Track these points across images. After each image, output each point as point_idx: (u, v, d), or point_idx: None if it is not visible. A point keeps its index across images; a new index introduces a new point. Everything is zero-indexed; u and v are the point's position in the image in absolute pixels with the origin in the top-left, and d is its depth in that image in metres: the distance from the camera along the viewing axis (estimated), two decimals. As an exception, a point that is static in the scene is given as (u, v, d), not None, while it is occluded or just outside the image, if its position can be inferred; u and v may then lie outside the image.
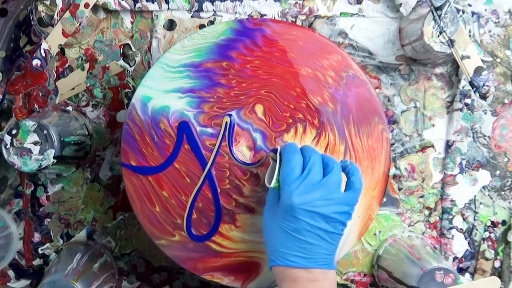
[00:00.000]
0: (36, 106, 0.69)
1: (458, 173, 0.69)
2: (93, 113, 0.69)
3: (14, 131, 0.60)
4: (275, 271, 0.51)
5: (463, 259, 0.70)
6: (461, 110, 0.68)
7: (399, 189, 0.69)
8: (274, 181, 0.51)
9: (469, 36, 0.61)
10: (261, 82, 0.57)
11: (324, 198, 0.48)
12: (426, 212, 0.70)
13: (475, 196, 0.70)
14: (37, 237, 0.71)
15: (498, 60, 0.68)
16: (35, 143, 0.60)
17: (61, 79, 0.69)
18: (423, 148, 0.69)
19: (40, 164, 0.60)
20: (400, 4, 0.65)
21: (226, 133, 0.58)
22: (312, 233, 0.48)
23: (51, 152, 0.60)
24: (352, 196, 0.50)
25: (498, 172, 0.69)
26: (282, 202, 0.49)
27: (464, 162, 0.69)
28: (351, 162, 0.52)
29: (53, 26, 0.64)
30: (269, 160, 0.55)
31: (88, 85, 0.69)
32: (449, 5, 0.60)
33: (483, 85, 0.61)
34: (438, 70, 0.68)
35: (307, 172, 0.49)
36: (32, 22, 0.65)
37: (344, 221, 0.50)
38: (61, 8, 0.63)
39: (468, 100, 0.67)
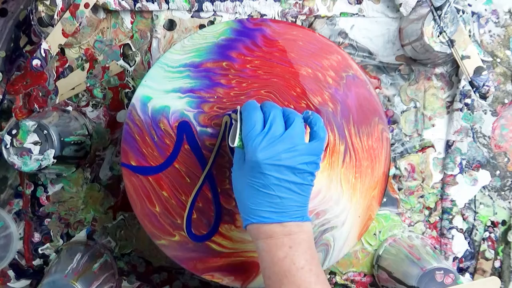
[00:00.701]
0: (36, 106, 0.69)
1: (458, 173, 0.69)
2: (93, 113, 0.69)
3: (14, 131, 0.60)
4: (250, 230, 0.51)
5: (463, 259, 0.70)
6: (461, 110, 0.68)
7: (399, 189, 0.69)
8: (237, 140, 0.50)
9: (469, 36, 0.61)
10: (261, 82, 0.57)
11: (288, 150, 0.48)
12: (426, 212, 0.70)
13: (475, 196, 0.70)
14: (37, 237, 0.71)
15: (498, 60, 0.68)
16: (35, 143, 0.60)
17: (61, 79, 0.69)
18: (423, 148, 0.69)
19: (40, 164, 0.60)
20: (400, 4, 0.65)
21: (226, 133, 0.58)
22: (281, 187, 0.48)
23: (51, 152, 0.60)
24: (316, 145, 0.50)
25: (498, 172, 0.69)
26: (247, 159, 0.49)
27: (464, 162, 0.69)
28: (313, 112, 0.52)
29: (53, 26, 0.64)
30: (230, 121, 0.54)
31: (88, 85, 0.69)
32: (449, 5, 0.60)
33: (483, 85, 0.61)
34: (438, 70, 0.68)
35: (268, 127, 0.49)
36: (32, 22, 0.65)
37: (312, 171, 0.49)
38: (61, 8, 0.63)
39: (468, 100, 0.67)
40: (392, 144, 0.69)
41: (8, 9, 0.68)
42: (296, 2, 0.67)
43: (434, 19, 0.61)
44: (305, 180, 0.49)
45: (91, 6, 0.63)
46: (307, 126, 0.52)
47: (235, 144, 0.50)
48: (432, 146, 0.69)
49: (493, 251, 0.70)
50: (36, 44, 0.68)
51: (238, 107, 0.53)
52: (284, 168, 0.48)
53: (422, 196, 0.70)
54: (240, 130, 0.50)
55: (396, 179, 0.69)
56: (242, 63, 0.57)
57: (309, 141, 0.51)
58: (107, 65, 0.68)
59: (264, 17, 0.67)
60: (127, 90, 0.69)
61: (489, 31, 0.68)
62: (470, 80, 0.61)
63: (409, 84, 0.69)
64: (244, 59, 0.57)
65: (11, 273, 0.71)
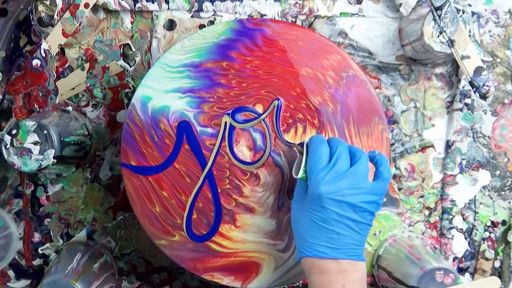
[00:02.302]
0: (36, 106, 0.69)
1: (458, 173, 0.69)
2: (93, 113, 0.69)
3: (14, 131, 0.60)
4: (304, 263, 0.51)
5: (463, 259, 0.70)
6: (461, 110, 0.68)
7: (399, 189, 0.69)
8: (301, 171, 0.51)
9: (469, 36, 0.61)
10: (261, 82, 0.57)
11: (351, 187, 0.48)
12: (426, 212, 0.70)
13: (475, 196, 0.70)
14: (37, 237, 0.71)
15: (498, 60, 0.68)
16: (35, 143, 0.60)
17: (61, 79, 0.69)
18: (423, 148, 0.69)
19: (40, 164, 0.60)
20: (400, 4, 0.65)
21: (226, 133, 0.58)
22: (340, 223, 0.48)
23: (51, 152, 0.60)
24: (380, 186, 0.49)
25: (498, 172, 0.69)
26: (310, 192, 0.49)
27: (464, 162, 0.69)
28: (380, 152, 0.52)
29: (53, 26, 0.64)
30: (292, 151, 0.55)
31: (88, 85, 0.69)
32: (449, 5, 0.60)
33: (483, 85, 0.61)
34: (438, 70, 0.68)
35: (334, 161, 0.49)
36: (32, 22, 0.65)
37: (373, 211, 0.49)
38: (61, 8, 0.63)
39: (468, 100, 0.67)
40: (392, 144, 0.69)
41: (8, 9, 0.68)
42: (296, 2, 0.67)
43: (434, 19, 0.61)
44: (365, 219, 0.49)
45: (91, 6, 0.63)
46: (372, 165, 0.52)
47: (299, 176, 0.51)
48: (432, 146, 0.69)
49: (493, 251, 0.70)
50: (36, 44, 0.68)
51: (305, 140, 0.53)
52: (346, 204, 0.48)
53: (422, 196, 0.70)
54: (306, 162, 0.51)
55: (396, 179, 0.69)
56: (242, 63, 0.57)
57: (373, 180, 0.50)
58: (107, 65, 0.68)
59: (264, 17, 0.67)
60: (127, 90, 0.69)
61: (489, 31, 0.68)
62: (470, 80, 0.61)
63: (409, 84, 0.69)
64: (244, 59, 0.57)
65: (11, 273, 0.71)
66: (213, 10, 0.67)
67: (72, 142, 0.63)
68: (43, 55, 0.64)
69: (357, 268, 0.49)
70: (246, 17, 0.67)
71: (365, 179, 0.49)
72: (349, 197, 0.48)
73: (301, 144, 0.53)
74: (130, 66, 0.69)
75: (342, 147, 0.50)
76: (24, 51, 0.69)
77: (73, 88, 0.69)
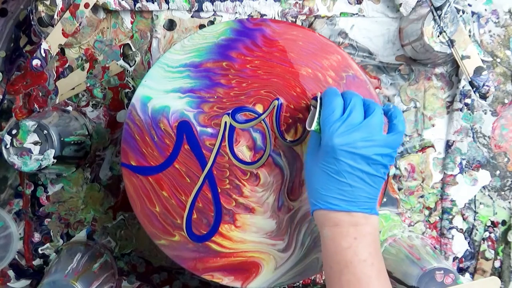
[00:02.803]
0: (36, 106, 0.69)
1: (458, 173, 0.69)
2: (93, 113, 0.69)
3: (14, 131, 0.60)
4: (317, 216, 0.51)
5: (463, 259, 0.70)
6: (461, 110, 0.68)
7: (399, 189, 0.69)
8: (315, 123, 0.50)
9: (469, 36, 0.61)
10: (261, 82, 0.57)
11: (365, 139, 0.48)
12: (426, 212, 0.70)
13: (475, 196, 0.70)
14: (37, 237, 0.71)
15: (498, 60, 0.68)
16: (35, 143, 0.60)
17: (61, 79, 0.69)
18: (423, 148, 0.69)
19: (40, 164, 0.60)
20: (400, 4, 0.65)
21: (226, 133, 0.58)
22: (353, 175, 0.48)
23: (51, 152, 0.60)
24: (394, 138, 0.49)
25: (498, 172, 0.69)
26: (323, 143, 0.49)
27: (464, 162, 0.69)
28: (394, 105, 0.51)
29: (53, 26, 0.64)
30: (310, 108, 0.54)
31: (88, 85, 0.69)
32: (449, 5, 0.60)
33: (483, 85, 0.61)
34: (438, 70, 0.68)
35: (348, 114, 0.49)
36: (32, 22, 0.65)
37: (386, 164, 0.49)
38: (61, 8, 0.63)
39: (468, 100, 0.67)
40: (392, 144, 0.69)
41: (8, 9, 0.68)
42: (296, 2, 0.67)
43: (434, 19, 0.61)
44: (378, 172, 0.49)
45: (91, 6, 0.63)
46: (386, 118, 0.51)
47: (313, 128, 0.50)
48: (432, 146, 0.69)
49: (493, 251, 0.70)
50: (36, 44, 0.68)
51: (318, 93, 0.53)
52: (359, 156, 0.48)
53: (422, 196, 0.70)
54: (319, 115, 0.50)
55: (396, 179, 0.69)
56: (242, 63, 0.57)
57: (387, 133, 0.50)
58: (107, 65, 0.68)
59: (264, 17, 0.67)
60: (127, 90, 0.69)
61: (489, 31, 0.68)
62: (470, 80, 0.61)
63: (409, 84, 0.69)
64: (244, 59, 0.57)
65: (11, 273, 0.71)
66: (213, 10, 0.67)
67: (72, 142, 0.63)
68: (43, 55, 0.64)
69: (370, 221, 0.49)
70: (246, 17, 0.67)
71: (379, 131, 0.49)
72: (363, 149, 0.47)
73: (315, 98, 0.53)
74: (130, 66, 0.69)
75: (356, 99, 0.50)
76: (24, 51, 0.69)
77: (73, 88, 0.69)
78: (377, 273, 0.48)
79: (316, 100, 0.52)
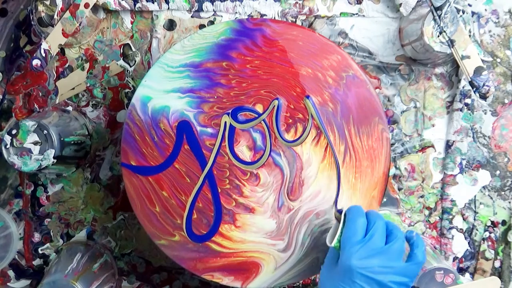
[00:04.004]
0: (36, 106, 0.69)
1: (458, 173, 0.69)
2: (93, 113, 0.69)
3: (14, 131, 0.60)
4: None
5: (463, 259, 0.70)
6: (461, 110, 0.68)
7: (399, 189, 0.69)
8: (335, 240, 0.51)
9: (469, 36, 0.61)
10: (261, 82, 0.57)
11: (383, 266, 0.48)
12: (426, 212, 0.70)
13: (475, 196, 0.70)
14: (37, 237, 0.71)
15: (498, 60, 0.68)
16: (35, 143, 0.60)
17: (61, 79, 0.69)
18: (423, 148, 0.69)
19: (40, 164, 0.60)
20: (400, 4, 0.65)
21: (226, 133, 0.58)
22: None
23: (51, 152, 0.60)
24: (412, 268, 0.49)
25: (498, 172, 0.69)
26: (341, 263, 0.49)
27: (464, 162, 0.69)
28: (417, 234, 0.52)
29: (53, 26, 0.64)
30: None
31: (88, 85, 0.69)
32: (449, 5, 0.60)
33: (483, 85, 0.61)
34: (438, 70, 0.68)
35: (369, 237, 0.49)
36: (32, 22, 0.65)
37: None
38: (61, 8, 0.63)
39: (468, 100, 0.67)
40: (392, 144, 0.69)
41: (8, 9, 0.68)
42: (296, 2, 0.67)
43: (434, 19, 0.61)
44: None
45: (91, 6, 0.63)
46: (408, 245, 0.51)
47: (333, 245, 0.51)
48: (432, 146, 0.69)
49: (493, 251, 0.70)
50: (36, 44, 0.68)
51: (344, 207, 0.54)
52: (375, 282, 0.48)
53: (422, 196, 0.70)
54: (341, 232, 0.51)
55: (396, 179, 0.69)
56: (242, 63, 0.57)
57: (406, 261, 0.50)
58: (107, 65, 0.68)
59: (264, 17, 0.67)
60: (127, 90, 0.69)
61: (489, 31, 0.68)
62: (470, 80, 0.61)
63: (409, 84, 0.69)
64: (244, 59, 0.57)
65: (11, 273, 0.71)
66: (213, 10, 0.67)
67: (72, 142, 0.63)
68: (43, 55, 0.64)
69: None
70: (246, 17, 0.67)
71: (399, 259, 0.49)
72: (380, 275, 0.48)
73: (340, 211, 0.53)
74: (130, 66, 0.69)
75: (379, 223, 0.50)
76: (24, 51, 0.69)
77: (73, 88, 0.69)
78: None
79: (340, 214, 0.53)
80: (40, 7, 0.63)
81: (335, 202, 0.58)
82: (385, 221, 0.51)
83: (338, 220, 0.53)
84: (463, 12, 0.61)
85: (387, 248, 0.49)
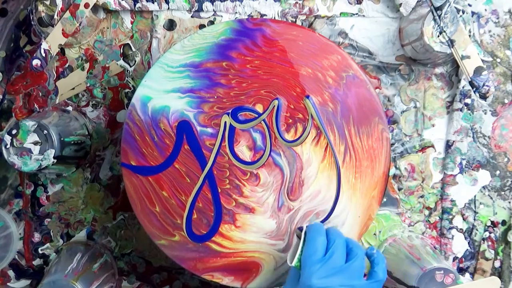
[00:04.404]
0: (36, 106, 0.69)
1: (458, 173, 0.69)
2: (93, 113, 0.69)
3: (14, 131, 0.60)
4: None
5: (463, 259, 0.70)
6: (461, 110, 0.68)
7: (399, 189, 0.69)
8: (295, 260, 0.51)
9: (469, 36, 0.61)
10: (261, 82, 0.57)
11: (344, 285, 0.48)
12: (426, 212, 0.70)
13: (475, 196, 0.70)
14: (37, 237, 0.71)
15: (498, 60, 0.68)
16: (35, 143, 0.60)
17: (61, 79, 0.69)
18: (423, 148, 0.69)
19: (40, 164, 0.60)
20: (400, 4, 0.65)
21: (226, 133, 0.58)
22: None
23: (51, 152, 0.60)
24: (373, 286, 0.49)
25: (498, 172, 0.69)
26: (302, 282, 0.49)
27: (464, 162, 0.69)
28: (378, 250, 0.51)
29: (53, 26, 0.64)
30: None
31: (88, 85, 0.69)
32: (449, 5, 0.60)
33: (483, 85, 0.61)
34: (438, 70, 0.68)
35: (329, 255, 0.49)
36: (32, 22, 0.65)
37: None
38: (61, 8, 0.63)
39: (468, 100, 0.67)
40: (392, 144, 0.69)
41: (8, 9, 0.68)
42: (296, 2, 0.67)
43: (434, 19, 0.61)
44: None
45: (91, 6, 0.63)
46: (369, 262, 0.51)
47: (293, 264, 0.51)
48: (432, 146, 0.69)
49: (493, 251, 0.70)
50: (36, 44, 0.68)
51: (305, 225, 0.53)
52: None
53: (422, 196, 0.70)
54: (301, 251, 0.51)
55: (396, 179, 0.69)
56: (242, 63, 0.57)
57: (367, 279, 0.50)
58: (107, 65, 0.68)
59: (264, 17, 0.67)
60: (127, 90, 0.69)
61: (489, 31, 0.68)
62: (470, 80, 0.61)
63: (409, 84, 0.69)
64: (244, 59, 0.57)
65: (11, 273, 0.71)
66: (213, 10, 0.67)
67: (72, 142, 0.63)
68: (43, 55, 0.64)
69: None
70: (246, 17, 0.67)
71: (359, 277, 0.49)
72: None
73: (301, 229, 0.53)
74: (130, 66, 0.69)
75: (339, 241, 0.50)
76: (24, 51, 0.69)
77: (73, 88, 0.69)
78: None
79: (301, 231, 0.52)
80: (40, 7, 0.63)
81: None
82: (345, 238, 0.51)
83: (299, 237, 0.53)
84: (463, 12, 0.61)
85: (347, 266, 0.48)
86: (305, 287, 0.48)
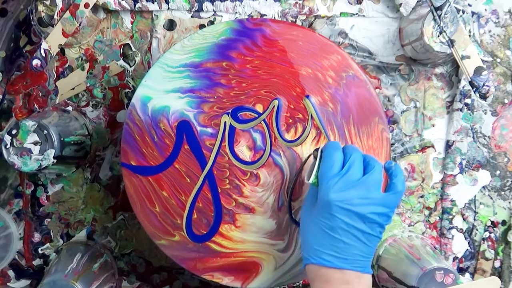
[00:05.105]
0: (36, 106, 0.69)
1: (458, 173, 0.69)
2: (93, 113, 0.69)
3: (14, 131, 0.60)
4: (308, 270, 0.50)
5: (463, 259, 0.70)
6: (461, 110, 0.68)
7: (399, 189, 0.69)
8: (313, 176, 0.50)
9: (469, 36, 0.61)
10: (261, 82, 0.57)
11: (362, 197, 0.47)
12: (426, 212, 0.70)
13: (475, 196, 0.70)
14: (37, 237, 0.71)
15: (498, 60, 0.68)
16: (35, 143, 0.60)
17: (61, 79, 0.69)
18: (423, 148, 0.69)
19: (40, 164, 0.60)
20: (400, 4, 0.65)
21: (226, 133, 0.58)
22: (347, 232, 0.47)
23: (51, 152, 0.60)
24: (392, 198, 0.48)
25: (498, 172, 0.69)
26: (320, 198, 0.48)
27: (464, 162, 0.69)
28: (396, 164, 0.51)
29: (53, 26, 0.64)
30: (309, 160, 0.54)
31: (88, 85, 0.69)
32: (449, 5, 0.60)
33: (483, 85, 0.61)
34: (438, 70, 0.68)
35: (346, 169, 0.48)
36: (32, 22, 0.65)
37: (383, 223, 0.48)
38: (61, 8, 0.63)
39: (468, 100, 0.67)
40: (392, 144, 0.69)
41: (8, 9, 0.68)
42: (296, 2, 0.67)
43: (434, 19, 0.61)
44: (374, 230, 0.48)
45: (91, 6, 0.63)
46: (386, 176, 0.51)
47: (310, 181, 0.50)
48: (432, 146, 0.69)
49: (493, 251, 0.70)
50: (36, 44, 0.68)
51: (321, 145, 0.53)
52: (354, 214, 0.47)
53: (422, 196, 0.70)
54: (318, 168, 0.50)
55: (396, 179, 0.69)
56: (242, 63, 0.57)
57: (386, 191, 0.49)
58: (107, 65, 0.68)
59: (264, 17, 0.67)
60: (127, 90, 0.69)
61: (489, 31, 0.68)
62: (470, 80, 0.61)
63: (409, 84, 0.69)
64: (244, 59, 0.57)
65: (11, 273, 0.71)
66: (213, 10, 0.67)
67: (72, 142, 0.63)
68: (43, 55, 0.64)
69: (362, 280, 0.48)
70: (246, 17, 0.67)
71: (377, 189, 0.48)
72: (359, 207, 0.47)
73: (317, 149, 0.53)
74: (130, 66, 0.69)
75: (356, 155, 0.49)
76: (24, 51, 0.69)
77: (73, 88, 0.69)
78: None
79: (317, 151, 0.52)
80: (40, 7, 0.63)
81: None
82: (362, 153, 0.50)
83: (316, 157, 0.52)
84: (463, 12, 0.61)
85: (365, 179, 0.48)
86: (323, 202, 0.47)
